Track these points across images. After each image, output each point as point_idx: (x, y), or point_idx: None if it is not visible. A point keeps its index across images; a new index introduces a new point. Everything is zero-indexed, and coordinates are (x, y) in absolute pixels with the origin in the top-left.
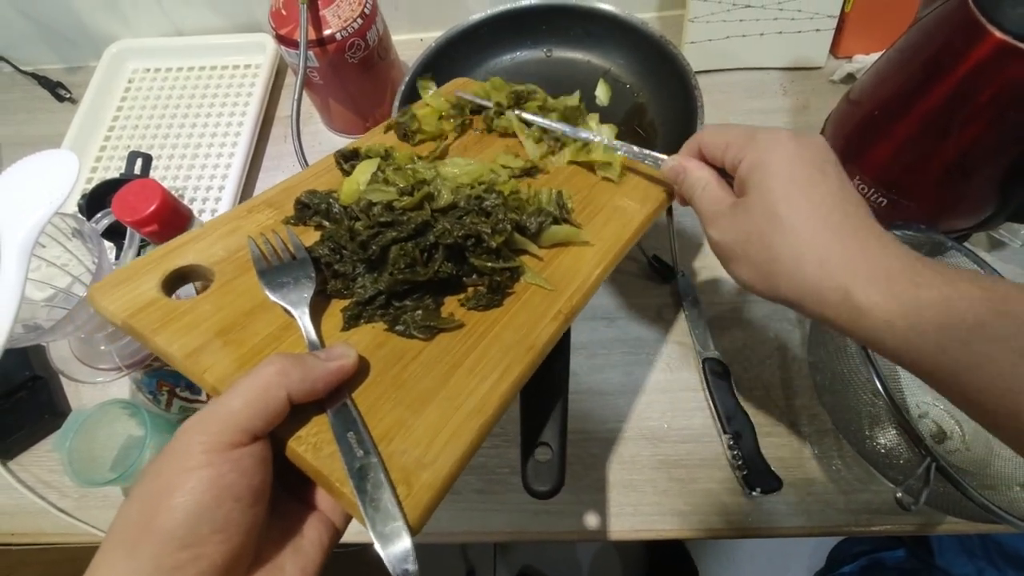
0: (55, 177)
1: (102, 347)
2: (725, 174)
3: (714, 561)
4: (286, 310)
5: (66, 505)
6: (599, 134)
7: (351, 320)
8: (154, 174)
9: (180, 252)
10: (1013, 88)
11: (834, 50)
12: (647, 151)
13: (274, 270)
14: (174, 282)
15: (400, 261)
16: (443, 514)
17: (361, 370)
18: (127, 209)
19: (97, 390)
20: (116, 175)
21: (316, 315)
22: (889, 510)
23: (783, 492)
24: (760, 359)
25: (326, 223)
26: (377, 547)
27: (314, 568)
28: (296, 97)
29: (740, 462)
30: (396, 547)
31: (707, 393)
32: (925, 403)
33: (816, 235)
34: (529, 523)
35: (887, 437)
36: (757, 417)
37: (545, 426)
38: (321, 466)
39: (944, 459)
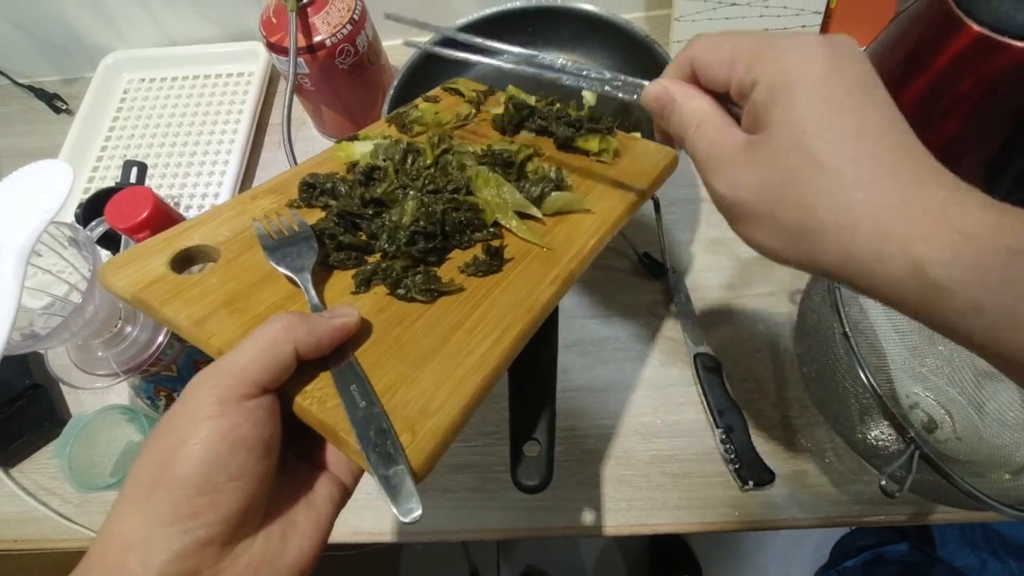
0: (50, 187)
1: (99, 353)
2: (726, 100)
3: (717, 558)
4: (290, 278)
5: (68, 511)
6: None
7: (362, 284)
8: (150, 182)
9: (187, 234)
10: (991, 80)
11: None
12: (620, 76)
13: (278, 243)
14: (182, 262)
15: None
16: (439, 513)
17: (364, 331)
18: (120, 216)
19: (96, 396)
20: (112, 184)
21: (319, 285)
22: (882, 500)
23: (776, 485)
24: (751, 352)
25: (332, 202)
26: (382, 491)
27: (326, 521)
28: (287, 103)
29: (733, 456)
30: (400, 491)
31: (699, 388)
32: (915, 393)
33: (872, 182)
34: (524, 520)
35: (875, 427)
36: (749, 410)
37: (534, 421)
38: (326, 417)
39: (932, 448)
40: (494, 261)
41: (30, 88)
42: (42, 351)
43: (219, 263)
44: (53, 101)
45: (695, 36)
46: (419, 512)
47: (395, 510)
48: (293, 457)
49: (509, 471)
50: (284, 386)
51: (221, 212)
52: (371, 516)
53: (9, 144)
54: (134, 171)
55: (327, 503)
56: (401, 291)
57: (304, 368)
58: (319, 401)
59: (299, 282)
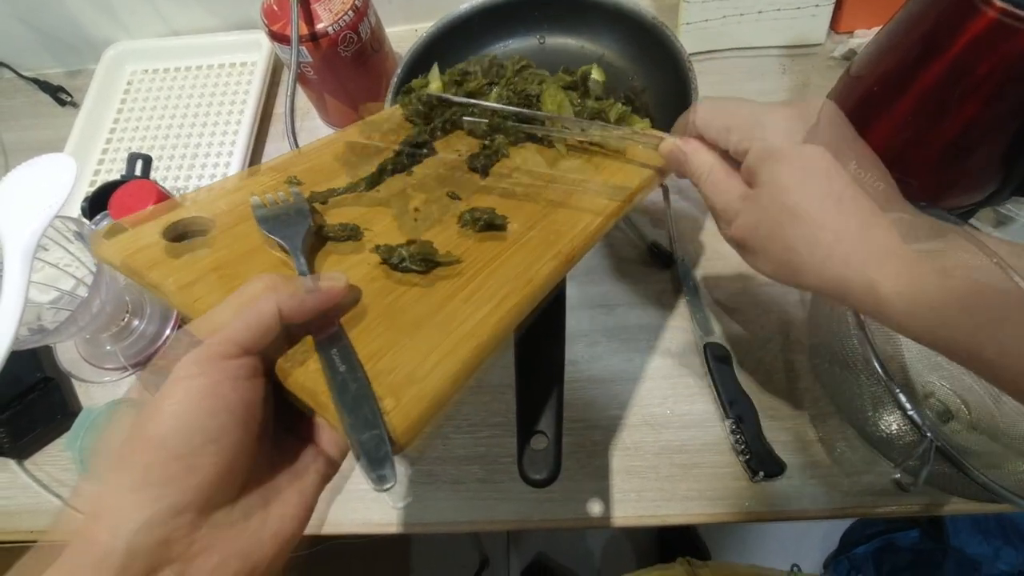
0: (54, 181)
1: (107, 347)
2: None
3: (726, 546)
4: (280, 245)
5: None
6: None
7: (385, 254)
8: (155, 175)
9: (184, 206)
10: (1011, 61)
11: (834, 26)
12: (643, 131)
13: (271, 212)
14: (176, 235)
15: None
16: (447, 504)
17: (353, 298)
18: (124, 210)
19: (106, 389)
20: (118, 177)
21: (312, 256)
22: (894, 492)
23: (787, 476)
24: (762, 342)
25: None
26: (355, 456)
27: (311, 492)
28: (289, 93)
29: (743, 447)
30: (374, 457)
31: (709, 378)
32: (930, 383)
33: (836, 226)
34: (533, 511)
35: (888, 418)
36: (759, 401)
37: (541, 414)
38: (306, 380)
39: (947, 439)
40: (495, 221)
41: (35, 81)
42: (51, 345)
43: (213, 232)
44: (58, 94)
45: (698, 102)
46: (393, 482)
47: (367, 477)
48: (279, 429)
49: (516, 464)
50: (267, 350)
51: (220, 187)
52: (379, 508)
53: (15, 137)
54: (139, 164)
55: (313, 475)
56: (395, 261)
57: (289, 333)
58: (300, 364)
59: (288, 248)
